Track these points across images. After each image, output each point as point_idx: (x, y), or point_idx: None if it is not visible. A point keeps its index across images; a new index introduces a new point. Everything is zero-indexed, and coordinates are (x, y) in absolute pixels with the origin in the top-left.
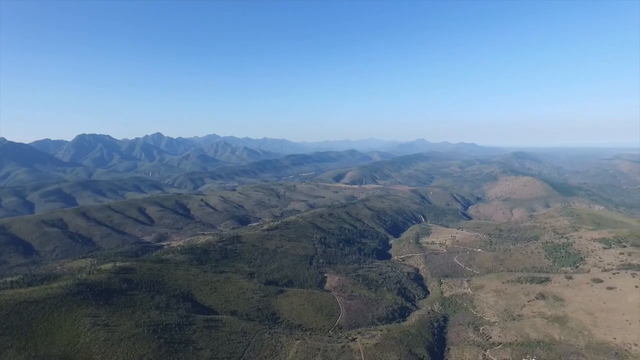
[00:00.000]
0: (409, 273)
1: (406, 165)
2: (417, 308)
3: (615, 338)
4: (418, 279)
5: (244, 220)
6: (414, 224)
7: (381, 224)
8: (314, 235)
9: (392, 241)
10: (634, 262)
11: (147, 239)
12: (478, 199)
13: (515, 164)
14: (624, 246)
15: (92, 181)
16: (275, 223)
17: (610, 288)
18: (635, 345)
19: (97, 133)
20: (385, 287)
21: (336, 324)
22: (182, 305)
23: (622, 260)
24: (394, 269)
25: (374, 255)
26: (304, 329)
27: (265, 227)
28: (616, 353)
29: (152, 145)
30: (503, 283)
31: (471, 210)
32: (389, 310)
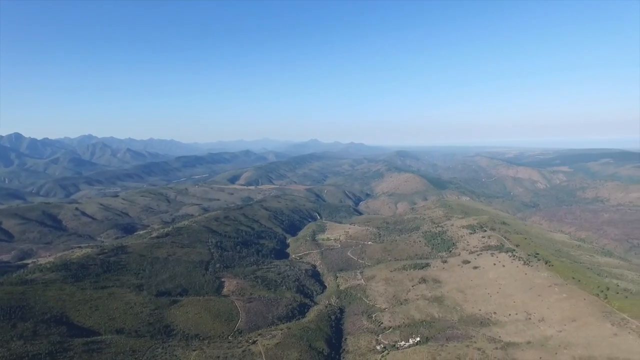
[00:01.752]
0: (306, 270)
1: (301, 165)
2: (316, 303)
3: (480, 310)
4: (315, 275)
5: (129, 229)
6: (310, 222)
7: (278, 223)
8: (210, 240)
9: (289, 240)
10: (492, 243)
11: (5, 258)
12: (367, 195)
13: (398, 162)
14: (485, 230)
15: None
16: (166, 229)
17: (475, 267)
18: (495, 313)
19: None
20: (284, 286)
21: (236, 329)
22: (54, 330)
23: (484, 243)
24: (292, 268)
25: (273, 256)
26: (201, 338)
27: (154, 234)
28: (481, 322)
29: (9, 148)
30: (391, 271)
31: (362, 206)
32: (288, 308)
